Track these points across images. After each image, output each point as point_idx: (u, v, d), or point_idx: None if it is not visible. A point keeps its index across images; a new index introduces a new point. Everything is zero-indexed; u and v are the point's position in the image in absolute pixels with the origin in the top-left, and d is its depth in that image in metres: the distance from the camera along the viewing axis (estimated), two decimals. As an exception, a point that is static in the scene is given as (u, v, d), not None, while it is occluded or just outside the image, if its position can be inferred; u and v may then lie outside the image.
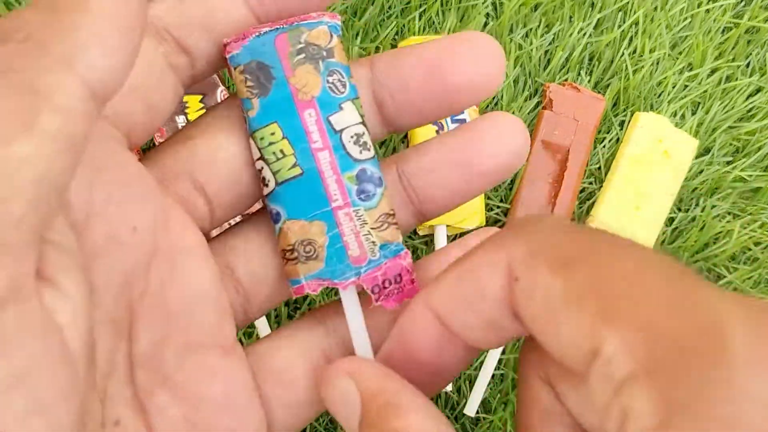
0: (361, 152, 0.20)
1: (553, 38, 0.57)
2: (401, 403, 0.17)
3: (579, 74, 0.57)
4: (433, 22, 0.56)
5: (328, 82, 0.20)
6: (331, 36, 0.20)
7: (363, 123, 0.20)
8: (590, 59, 0.57)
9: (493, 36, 0.56)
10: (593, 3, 0.58)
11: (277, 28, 0.20)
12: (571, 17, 0.57)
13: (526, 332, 0.18)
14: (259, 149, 0.20)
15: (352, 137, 0.20)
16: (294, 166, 0.20)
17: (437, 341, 0.19)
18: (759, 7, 0.59)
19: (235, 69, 0.20)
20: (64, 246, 0.16)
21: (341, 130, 0.20)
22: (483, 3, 0.56)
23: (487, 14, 0.57)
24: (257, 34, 0.20)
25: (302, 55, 0.20)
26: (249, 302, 0.22)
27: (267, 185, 0.20)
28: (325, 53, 0.20)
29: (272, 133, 0.20)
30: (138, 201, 0.19)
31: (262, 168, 0.20)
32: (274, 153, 0.20)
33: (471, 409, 0.50)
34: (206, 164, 0.20)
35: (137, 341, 0.19)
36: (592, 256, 0.16)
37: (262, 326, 0.47)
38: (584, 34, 0.57)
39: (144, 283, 0.19)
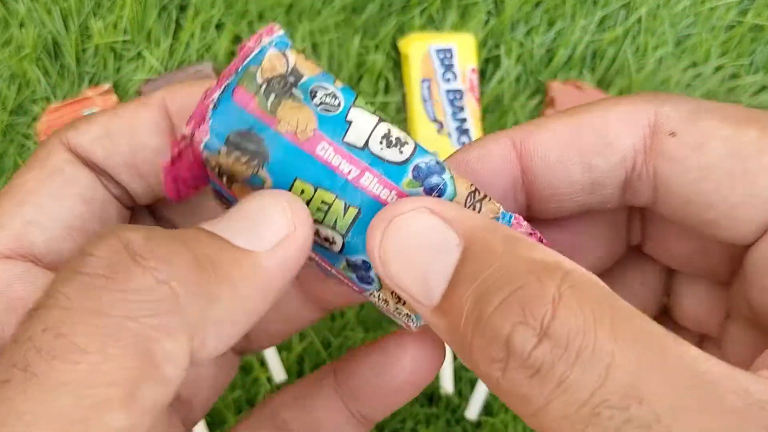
0: (401, 150, 0.17)
1: (555, 36, 0.56)
2: (533, 242, 0.15)
3: (581, 72, 0.56)
4: (434, 20, 0.56)
5: (317, 105, 0.17)
6: (284, 55, 0.17)
7: (381, 118, 0.17)
8: (593, 57, 0.57)
9: (494, 34, 0.55)
10: (595, 0, 0.57)
11: (225, 87, 0.16)
12: (573, 15, 0.56)
13: (630, 203, 0.16)
14: None
15: (380, 142, 0.17)
16: (347, 208, 0.17)
17: (505, 181, 0.17)
18: (763, 5, 0.59)
19: (218, 154, 0.17)
20: None
21: (366, 143, 0.17)
22: (484, 0, 0.55)
23: (488, 12, 0.56)
24: (211, 105, 0.16)
25: (272, 95, 0.17)
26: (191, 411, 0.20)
27: (334, 243, 0.18)
28: (293, 79, 0.17)
29: (302, 191, 0.17)
30: None
31: (317, 231, 0.18)
32: (318, 209, 0.17)
33: (472, 412, 0.49)
34: None
35: None
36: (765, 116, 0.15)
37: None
38: (587, 32, 0.56)
39: None
